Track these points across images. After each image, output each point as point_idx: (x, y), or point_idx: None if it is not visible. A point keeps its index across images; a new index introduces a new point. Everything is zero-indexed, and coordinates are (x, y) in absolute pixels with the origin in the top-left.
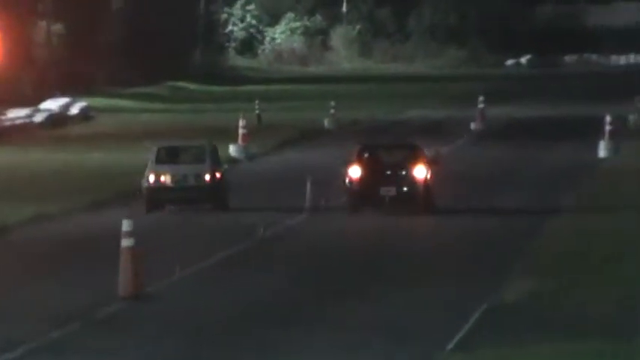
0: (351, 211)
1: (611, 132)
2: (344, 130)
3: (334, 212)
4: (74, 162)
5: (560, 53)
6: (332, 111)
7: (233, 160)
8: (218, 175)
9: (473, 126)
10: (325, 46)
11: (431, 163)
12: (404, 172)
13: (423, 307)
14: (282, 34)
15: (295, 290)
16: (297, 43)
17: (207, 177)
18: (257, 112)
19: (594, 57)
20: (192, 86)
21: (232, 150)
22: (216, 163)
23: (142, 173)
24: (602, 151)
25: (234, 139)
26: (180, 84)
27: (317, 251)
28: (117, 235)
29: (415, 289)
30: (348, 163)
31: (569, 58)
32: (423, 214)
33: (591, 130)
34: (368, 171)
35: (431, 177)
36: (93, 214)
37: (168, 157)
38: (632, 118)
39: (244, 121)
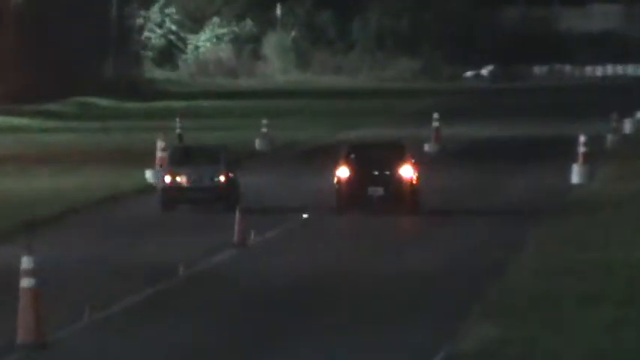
0: (340, 212)
1: (585, 155)
2: (279, 152)
3: (266, 246)
4: None
5: (528, 64)
6: (264, 130)
7: (149, 187)
8: (231, 176)
9: (427, 147)
10: (256, 55)
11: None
12: (391, 172)
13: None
14: (206, 42)
15: (212, 340)
16: (225, 52)
17: (222, 178)
18: (178, 131)
19: (567, 68)
20: (103, 102)
21: (149, 175)
22: (229, 165)
23: (42, 201)
24: (576, 176)
25: (151, 163)
26: (90, 99)
27: (244, 293)
28: (17, 274)
29: (351, 336)
30: (335, 165)
31: (538, 70)
32: (409, 214)
33: (563, 153)
34: (355, 171)
35: (417, 176)
36: None
37: (183, 157)
38: (609, 138)
39: (163, 142)
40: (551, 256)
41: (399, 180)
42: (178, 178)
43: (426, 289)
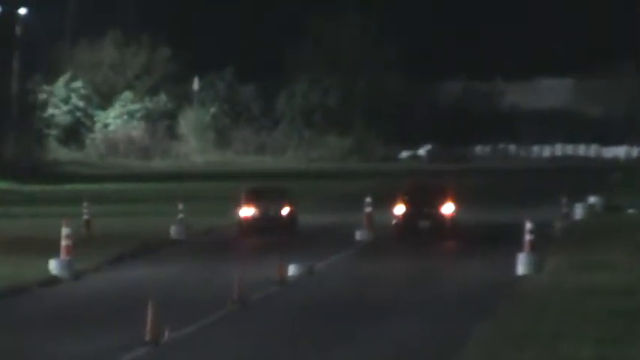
0: (399, 238)
1: (532, 243)
2: (196, 239)
3: (181, 344)
4: None
5: (469, 143)
6: (180, 216)
7: (53, 279)
8: (292, 209)
9: (358, 235)
10: (172, 134)
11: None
12: (436, 209)
13: None
14: (116, 119)
15: None
16: (137, 130)
17: (285, 212)
18: (85, 217)
19: (512, 148)
20: (3, 185)
21: (53, 266)
22: (290, 201)
23: None
24: (522, 266)
25: (55, 252)
26: None
27: None
28: None
29: None
30: (395, 202)
31: (480, 149)
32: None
33: (507, 241)
34: (409, 209)
35: (456, 211)
36: None
37: (254, 196)
38: (558, 224)
39: (68, 229)
40: (494, 356)
41: (442, 215)
42: (252, 212)
43: None
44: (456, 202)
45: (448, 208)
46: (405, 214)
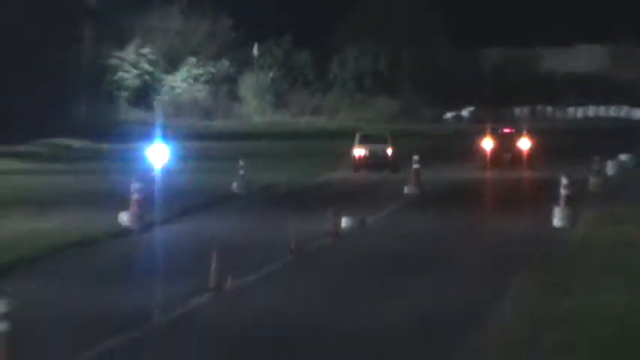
0: (484, 169)
1: (567, 197)
2: (256, 194)
3: (243, 290)
4: None
5: (509, 105)
6: (241, 172)
7: (124, 231)
8: (395, 150)
9: (406, 190)
10: (233, 96)
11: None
12: (515, 144)
13: None
14: (182, 83)
15: None
16: (201, 92)
17: (389, 152)
18: (155, 173)
19: (549, 109)
20: (76, 143)
21: (123, 218)
22: (392, 144)
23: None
24: (558, 219)
25: (125, 205)
26: (62, 141)
27: (222, 338)
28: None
29: None
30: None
31: (519, 111)
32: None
33: (545, 195)
34: (495, 144)
35: (533, 146)
36: None
37: (365, 139)
38: (592, 180)
39: (140, 184)
40: (535, 302)
41: (520, 148)
42: (363, 152)
43: (401, 345)
44: (531, 139)
45: (525, 144)
46: (492, 149)
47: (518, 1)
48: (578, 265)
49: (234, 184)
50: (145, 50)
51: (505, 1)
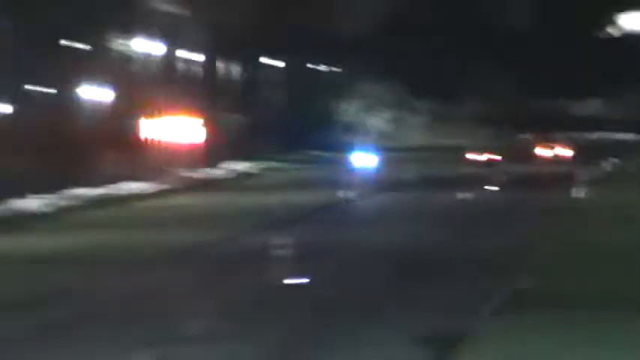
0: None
1: (580, 180)
2: (422, 181)
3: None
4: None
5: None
6: (411, 167)
7: (349, 200)
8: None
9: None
10: (401, 123)
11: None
12: (556, 151)
13: None
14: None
15: None
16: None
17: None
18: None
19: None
20: (321, 154)
21: (348, 193)
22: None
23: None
24: (575, 192)
25: (346, 187)
26: (314, 152)
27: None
28: None
29: None
30: (533, 145)
31: None
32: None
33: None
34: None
35: (574, 153)
36: None
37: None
38: (595, 171)
39: (353, 176)
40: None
41: (562, 154)
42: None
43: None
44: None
45: (563, 151)
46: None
47: None
48: (587, 210)
49: (409, 175)
50: None
51: None
